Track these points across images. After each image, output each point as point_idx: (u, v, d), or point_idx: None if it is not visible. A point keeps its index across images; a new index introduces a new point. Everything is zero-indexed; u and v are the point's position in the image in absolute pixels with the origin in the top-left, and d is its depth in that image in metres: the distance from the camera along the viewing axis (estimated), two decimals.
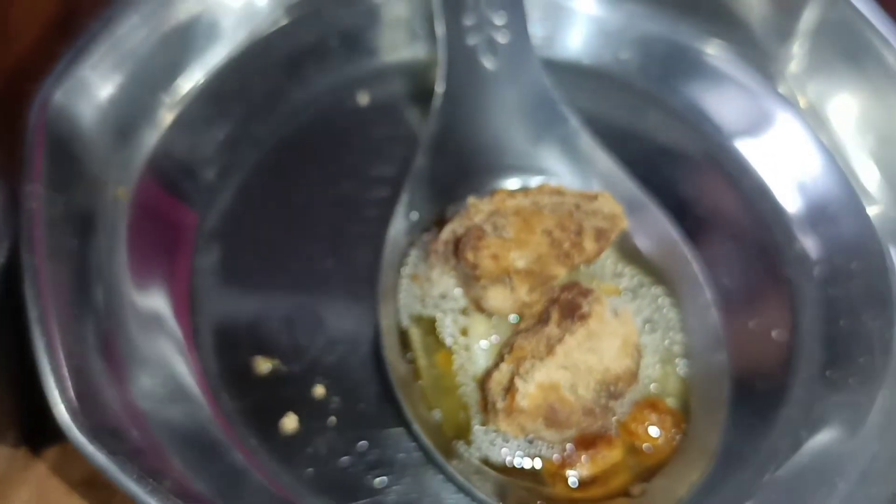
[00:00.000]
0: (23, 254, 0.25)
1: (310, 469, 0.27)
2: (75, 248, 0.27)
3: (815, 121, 0.33)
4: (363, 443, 0.28)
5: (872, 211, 0.31)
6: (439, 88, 0.32)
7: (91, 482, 0.27)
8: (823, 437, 0.28)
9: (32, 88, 0.28)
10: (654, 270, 0.30)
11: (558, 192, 0.29)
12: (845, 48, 0.32)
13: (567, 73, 0.34)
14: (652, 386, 0.29)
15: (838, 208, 0.32)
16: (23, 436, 0.27)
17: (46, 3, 0.36)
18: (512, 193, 0.29)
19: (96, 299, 0.27)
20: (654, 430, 0.28)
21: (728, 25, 0.34)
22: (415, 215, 0.31)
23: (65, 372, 0.23)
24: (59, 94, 0.28)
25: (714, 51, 0.34)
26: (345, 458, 0.27)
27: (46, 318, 0.24)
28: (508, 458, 0.27)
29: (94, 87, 0.29)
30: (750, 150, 0.33)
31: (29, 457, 0.27)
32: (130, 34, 0.30)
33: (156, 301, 0.29)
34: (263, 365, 0.29)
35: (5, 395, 0.26)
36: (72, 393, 0.23)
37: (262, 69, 0.33)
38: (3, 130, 0.26)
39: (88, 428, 0.23)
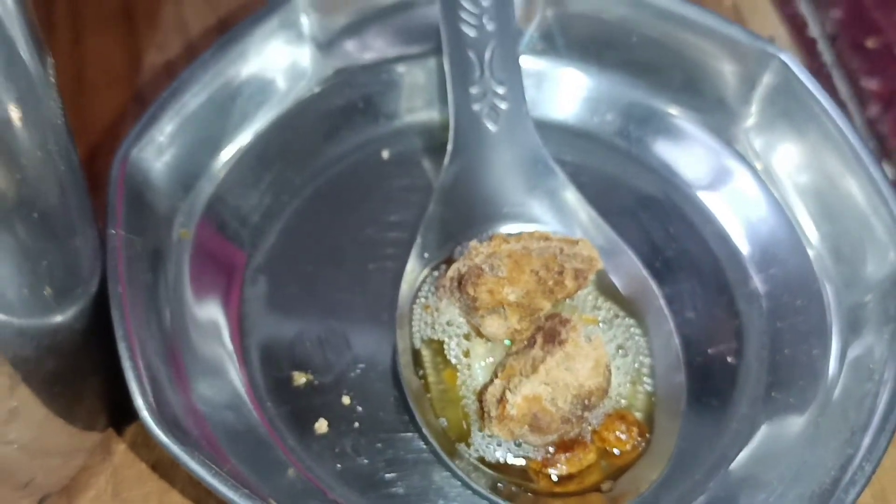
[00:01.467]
0: (109, 284, 0.31)
1: (338, 465, 0.33)
2: (149, 279, 0.33)
3: (765, 175, 0.38)
4: (381, 444, 0.33)
5: (810, 253, 0.37)
6: (449, 147, 0.38)
7: (155, 467, 0.33)
8: (765, 446, 0.34)
9: (113, 147, 0.34)
10: (626, 304, 0.36)
11: (545, 237, 0.35)
12: (791, 113, 0.38)
13: (556, 132, 0.40)
14: (623, 401, 0.34)
15: (785, 252, 0.37)
16: (110, 421, 0.33)
17: (118, 71, 0.43)
18: (506, 238, 0.35)
19: (165, 321, 0.33)
20: (622, 437, 0.33)
21: (695, 93, 0.40)
22: (427, 255, 0.36)
23: (144, 379, 0.29)
24: (135, 152, 0.34)
25: (683, 114, 0.40)
26: (366, 457, 0.33)
27: (129, 335, 0.30)
28: (501, 458, 0.33)
29: (163, 146, 0.35)
30: (711, 200, 0.39)
31: (107, 450, 0.33)
32: (192, 101, 0.36)
33: (213, 323, 0.34)
34: (300, 378, 0.34)
35: (100, 391, 0.32)
36: (150, 395, 0.29)
37: (300, 130, 0.39)
38: (91, 182, 0.32)
39: (162, 424, 0.29)
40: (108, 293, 0.30)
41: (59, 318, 0.28)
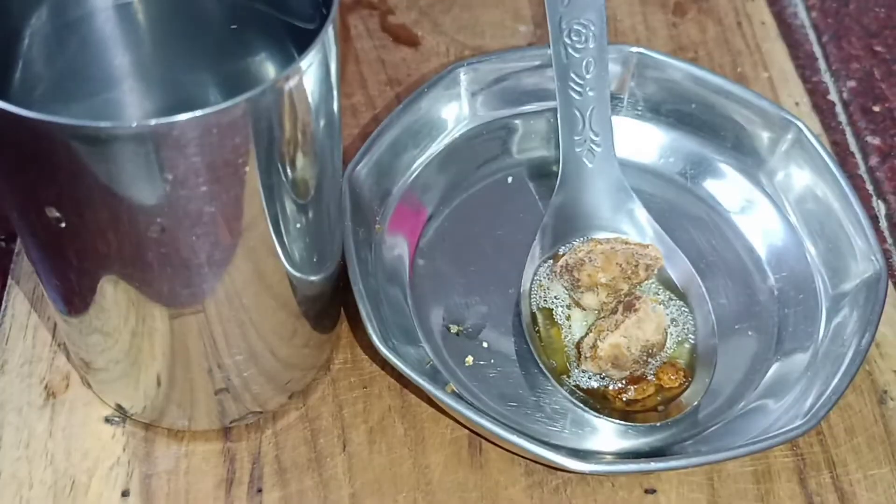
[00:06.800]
0: (346, 257, 0.47)
1: (479, 384, 0.48)
2: (366, 252, 0.49)
3: (782, 204, 0.53)
4: (508, 374, 0.49)
5: (809, 260, 0.52)
6: (559, 177, 0.54)
7: (359, 379, 0.50)
8: (771, 385, 0.48)
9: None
10: (678, 291, 0.51)
11: (625, 242, 0.51)
12: (803, 163, 0.53)
13: (635, 170, 0.55)
14: (674, 354, 0.50)
15: (792, 259, 0.52)
16: (334, 325, 0.49)
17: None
18: (599, 241, 0.51)
19: (374, 280, 0.49)
20: (672, 378, 0.49)
21: (736, 145, 0.55)
22: (541, 251, 0.52)
23: (371, 315, 0.46)
24: (356, 170, 0.51)
25: (726, 160, 0.55)
26: (497, 382, 0.49)
27: (360, 288, 0.47)
28: (590, 386, 0.49)
29: (371, 166, 0.52)
30: (742, 221, 0.54)
31: (327, 369, 0.50)
32: (389, 137, 0.53)
33: (398, 286, 0.51)
34: (454, 328, 0.51)
35: (337, 311, 0.49)
36: (376, 326, 0.46)
37: (455, 161, 0.55)
38: None
39: (382, 340, 0.45)
40: (346, 261, 0.47)
41: (322, 275, 0.45)
